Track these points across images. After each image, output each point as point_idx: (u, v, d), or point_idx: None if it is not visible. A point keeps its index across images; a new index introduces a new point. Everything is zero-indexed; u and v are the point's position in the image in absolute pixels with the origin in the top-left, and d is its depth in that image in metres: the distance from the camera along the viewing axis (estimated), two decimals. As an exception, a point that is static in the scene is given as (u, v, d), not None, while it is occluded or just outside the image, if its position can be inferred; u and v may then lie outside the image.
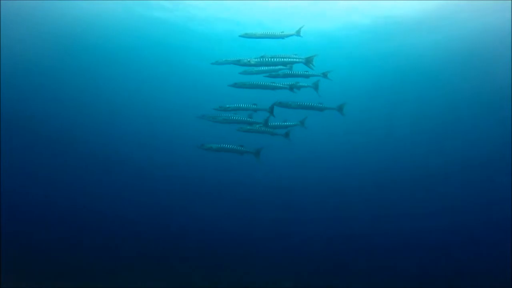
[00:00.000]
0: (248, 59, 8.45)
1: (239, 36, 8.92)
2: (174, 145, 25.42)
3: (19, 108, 25.27)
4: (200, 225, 16.91)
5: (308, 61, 8.26)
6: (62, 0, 16.88)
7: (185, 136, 22.98)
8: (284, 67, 8.48)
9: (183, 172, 23.57)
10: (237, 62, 8.55)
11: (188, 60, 23.91)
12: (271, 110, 8.68)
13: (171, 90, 28.21)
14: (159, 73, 26.71)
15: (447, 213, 18.86)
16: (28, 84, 25.47)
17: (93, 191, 20.27)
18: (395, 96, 27.10)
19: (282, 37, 8.68)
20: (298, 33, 8.64)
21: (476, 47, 20.28)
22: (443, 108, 26.50)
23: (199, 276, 11.83)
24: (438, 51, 21.47)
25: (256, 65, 8.47)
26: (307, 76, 8.53)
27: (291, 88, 8.50)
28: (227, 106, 8.92)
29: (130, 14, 18.14)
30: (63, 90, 26.32)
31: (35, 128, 25.55)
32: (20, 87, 25.15)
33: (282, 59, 8.34)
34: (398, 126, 27.50)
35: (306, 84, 8.59)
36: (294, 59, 8.31)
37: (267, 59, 8.38)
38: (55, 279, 10.51)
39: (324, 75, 8.46)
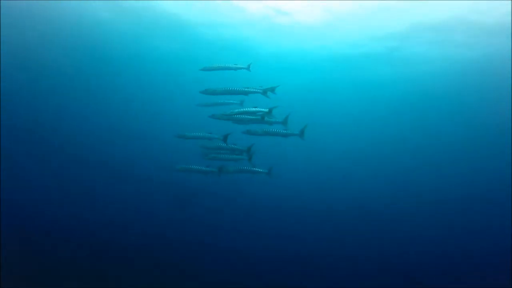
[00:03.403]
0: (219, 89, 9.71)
1: (200, 69, 10.22)
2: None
3: (19, 108, 25.30)
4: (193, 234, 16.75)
5: (265, 92, 9.32)
6: (63, 0, 16.89)
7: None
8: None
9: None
10: (213, 92, 9.79)
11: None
12: (225, 139, 9.81)
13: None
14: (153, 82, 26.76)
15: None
16: (28, 84, 25.45)
17: (93, 192, 20.28)
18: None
19: (235, 69, 10.02)
20: (248, 68, 10.01)
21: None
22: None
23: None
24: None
25: (223, 93, 9.69)
26: (255, 113, 9.35)
27: (262, 118, 9.35)
28: (186, 134, 10.00)
29: (135, 18, 18.11)
30: (62, 90, 26.31)
31: (35, 128, 25.57)
32: (20, 87, 25.13)
33: (244, 89, 9.49)
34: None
35: (276, 120, 9.42)
36: (254, 90, 9.43)
37: (233, 89, 9.61)
38: (54, 280, 10.55)
39: (270, 111, 9.27)
